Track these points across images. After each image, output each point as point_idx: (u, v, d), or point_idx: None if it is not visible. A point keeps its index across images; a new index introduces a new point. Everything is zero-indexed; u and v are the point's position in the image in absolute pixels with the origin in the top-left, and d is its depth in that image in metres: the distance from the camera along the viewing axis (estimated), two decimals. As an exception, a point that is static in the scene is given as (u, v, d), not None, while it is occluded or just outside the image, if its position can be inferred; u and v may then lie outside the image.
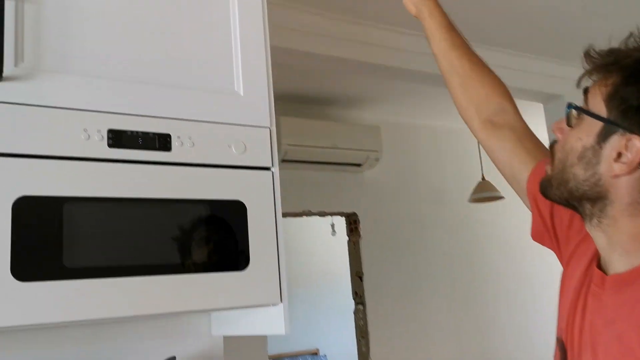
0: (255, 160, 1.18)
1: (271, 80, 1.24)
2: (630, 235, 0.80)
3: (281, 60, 2.79)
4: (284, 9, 2.40)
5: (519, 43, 2.95)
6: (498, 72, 1.19)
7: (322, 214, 3.92)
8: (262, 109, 1.21)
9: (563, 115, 0.87)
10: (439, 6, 1.22)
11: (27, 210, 0.93)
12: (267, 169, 1.19)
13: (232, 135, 1.16)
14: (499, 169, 1.11)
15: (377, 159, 3.87)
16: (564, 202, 0.87)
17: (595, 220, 0.83)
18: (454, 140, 4.43)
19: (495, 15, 2.64)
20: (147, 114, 1.08)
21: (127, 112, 1.06)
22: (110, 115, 1.04)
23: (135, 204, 1.03)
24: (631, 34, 0.81)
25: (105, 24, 1.08)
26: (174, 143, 1.09)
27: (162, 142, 1.08)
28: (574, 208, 0.87)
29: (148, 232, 1.03)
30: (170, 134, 1.09)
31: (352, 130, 3.81)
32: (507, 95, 1.15)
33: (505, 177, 1.10)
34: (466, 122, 1.17)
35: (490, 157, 1.12)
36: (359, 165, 3.90)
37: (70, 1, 1.06)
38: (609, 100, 0.79)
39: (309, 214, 3.84)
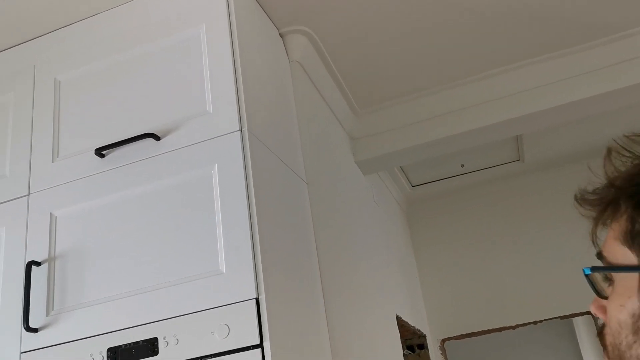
0: (240, 341, 1.10)
1: (258, 249, 1.17)
2: None
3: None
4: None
5: None
6: None
7: None
8: (247, 282, 1.14)
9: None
10: None
11: None
12: (257, 346, 1.09)
13: (215, 320, 1.13)
14: None
15: None
16: None
17: None
18: None
19: None
20: (138, 324, 1.17)
21: (122, 327, 1.18)
22: (109, 335, 1.18)
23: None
24: (610, 150, 0.61)
25: (109, 263, 1.26)
26: (161, 345, 1.14)
27: (150, 347, 1.15)
28: None
29: None
30: (157, 336, 1.15)
31: None
32: None
33: None
34: None
35: None
36: None
37: (84, 252, 1.30)
38: (632, 240, 0.57)
39: None
